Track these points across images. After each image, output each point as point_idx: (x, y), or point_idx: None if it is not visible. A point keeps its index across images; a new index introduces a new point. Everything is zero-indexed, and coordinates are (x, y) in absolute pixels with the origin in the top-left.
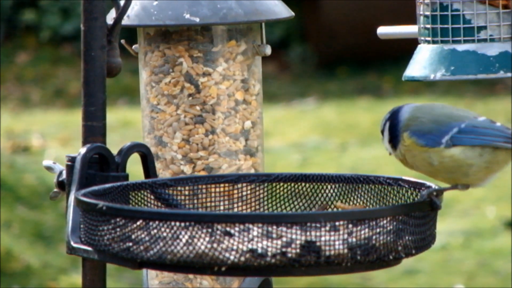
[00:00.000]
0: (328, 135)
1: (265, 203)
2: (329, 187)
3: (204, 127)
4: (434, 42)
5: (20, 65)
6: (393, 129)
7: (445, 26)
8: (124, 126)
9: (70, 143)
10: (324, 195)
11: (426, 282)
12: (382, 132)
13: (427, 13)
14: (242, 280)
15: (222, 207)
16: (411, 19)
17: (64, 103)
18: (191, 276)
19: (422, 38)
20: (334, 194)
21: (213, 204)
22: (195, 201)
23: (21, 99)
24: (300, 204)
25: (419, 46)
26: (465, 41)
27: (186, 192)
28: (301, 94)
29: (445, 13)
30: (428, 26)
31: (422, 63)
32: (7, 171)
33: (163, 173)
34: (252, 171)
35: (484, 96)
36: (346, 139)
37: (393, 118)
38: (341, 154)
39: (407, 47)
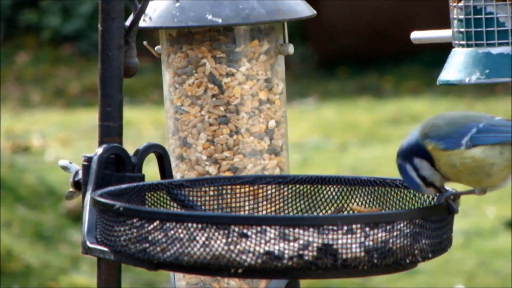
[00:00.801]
0: (328, 135)
1: (285, 203)
2: (344, 189)
3: (228, 128)
4: (468, 45)
5: (20, 65)
6: (416, 150)
7: (479, 29)
8: (125, 126)
9: (70, 143)
10: (340, 197)
11: (426, 282)
12: (406, 177)
13: (461, 16)
14: (269, 280)
15: (247, 207)
16: (411, 19)
17: (64, 103)
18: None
19: (456, 42)
20: (350, 197)
21: (237, 204)
22: (220, 201)
23: (21, 99)
24: (316, 206)
25: (453, 50)
26: (499, 44)
27: (211, 193)
28: (301, 94)
29: (479, 16)
30: (462, 29)
31: (456, 67)
32: (7, 171)
33: (188, 174)
34: (277, 170)
35: (484, 96)
36: (346, 139)
37: (407, 149)
38: (341, 154)
39: (407, 47)
